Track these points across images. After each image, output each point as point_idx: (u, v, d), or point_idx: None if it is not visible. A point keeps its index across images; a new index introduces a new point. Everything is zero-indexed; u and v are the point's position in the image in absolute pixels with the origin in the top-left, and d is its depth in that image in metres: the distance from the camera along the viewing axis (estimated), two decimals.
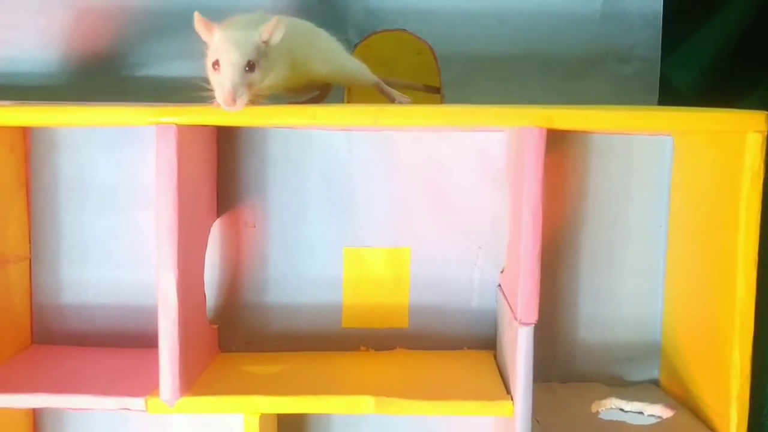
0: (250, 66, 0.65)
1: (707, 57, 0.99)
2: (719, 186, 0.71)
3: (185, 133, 0.68)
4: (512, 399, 0.70)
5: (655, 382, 0.84)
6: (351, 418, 0.84)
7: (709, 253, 0.73)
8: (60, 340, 0.83)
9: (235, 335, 0.83)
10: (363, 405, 0.70)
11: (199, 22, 0.65)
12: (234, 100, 0.64)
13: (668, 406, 0.76)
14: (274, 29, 0.65)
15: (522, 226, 0.67)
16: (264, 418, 0.73)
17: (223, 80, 0.64)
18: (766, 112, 0.67)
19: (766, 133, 0.67)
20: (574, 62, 0.85)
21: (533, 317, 0.68)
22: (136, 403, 0.70)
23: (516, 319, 0.69)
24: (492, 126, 0.69)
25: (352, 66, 0.78)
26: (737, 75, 0.99)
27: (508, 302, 0.75)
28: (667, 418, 0.75)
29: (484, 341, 0.83)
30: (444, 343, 0.83)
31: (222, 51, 0.65)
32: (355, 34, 0.86)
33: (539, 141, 0.67)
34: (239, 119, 0.68)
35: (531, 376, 0.69)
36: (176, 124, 0.67)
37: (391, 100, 0.78)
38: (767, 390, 0.76)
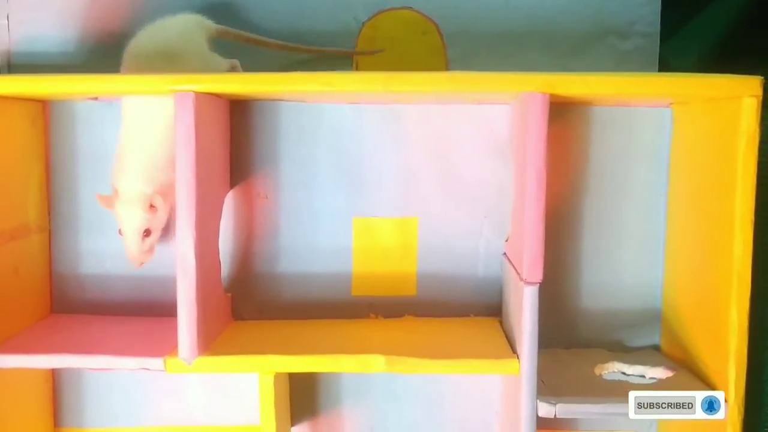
0: (147, 232, 0.78)
1: (707, 43, 1.01)
2: (716, 152, 0.74)
3: (202, 100, 0.71)
4: (518, 358, 0.73)
5: (656, 348, 0.86)
6: (361, 383, 0.86)
7: (707, 218, 0.75)
8: (78, 309, 0.85)
9: (248, 304, 0.86)
10: (374, 363, 0.72)
11: (100, 200, 0.79)
12: (141, 264, 0.79)
13: (669, 368, 0.78)
14: (156, 202, 0.78)
15: (526, 188, 0.70)
16: (277, 379, 0.76)
17: (128, 248, 0.78)
18: (761, 77, 0.69)
19: (761, 98, 0.69)
20: (576, 38, 0.87)
21: (538, 276, 0.71)
22: (155, 362, 0.72)
23: (521, 279, 0.72)
24: (496, 91, 0.71)
25: None
26: (737, 62, 1.01)
27: (513, 266, 0.78)
28: (667, 378, 0.77)
29: (490, 308, 0.86)
30: (451, 310, 0.86)
31: (121, 224, 0.78)
32: (362, 12, 0.88)
33: (542, 106, 0.69)
34: (254, 86, 0.71)
35: (536, 335, 0.72)
36: (194, 92, 0.69)
37: None
38: (764, 347, 0.78)
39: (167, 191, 0.77)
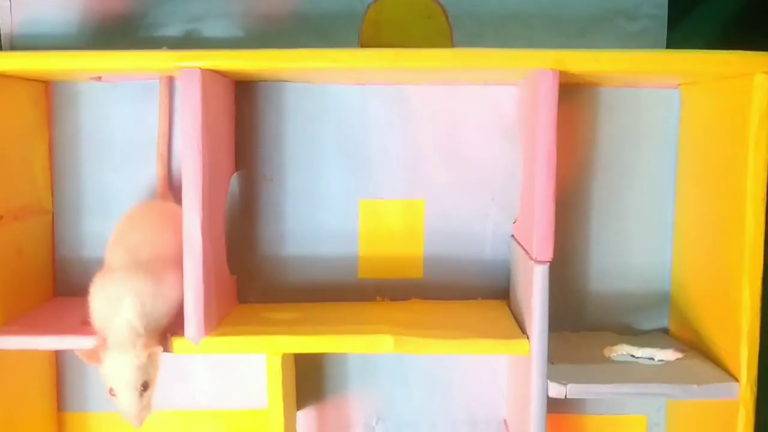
0: (144, 386, 0.68)
1: (716, 27, 1.00)
2: (727, 132, 0.73)
3: (208, 78, 0.70)
4: (528, 338, 0.72)
5: (664, 331, 0.86)
6: (367, 367, 0.86)
7: (718, 198, 0.75)
8: (82, 292, 0.83)
9: (253, 287, 0.85)
10: (382, 344, 0.72)
11: (83, 356, 0.68)
12: (141, 423, 0.68)
13: (678, 350, 0.78)
14: (154, 350, 0.68)
15: (536, 164, 0.69)
16: (284, 361, 0.75)
17: (123, 408, 0.68)
18: None
19: None
20: (583, 20, 0.86)
21: (548, 255, 0.70)
22: None
23: (532, 258, 0.71)
24: (506, 67, 0.70)
25: None
26: (747, 47, 1.00)
27: (522, 247, 0.77)
28: (677, 360, 0.77)
29: (498, 291, 0.85)
30: (458, 293, 0.85)
31: (113, 381, 0.68)
32: None
33: (552, 83, 0.69)
34: (260, 63, 0.70)
35: (546, 315, 0.71)
36: (200, 68, 0.68)
37: None
38: None
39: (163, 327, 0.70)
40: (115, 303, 0.68)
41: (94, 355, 0.68)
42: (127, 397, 0.67)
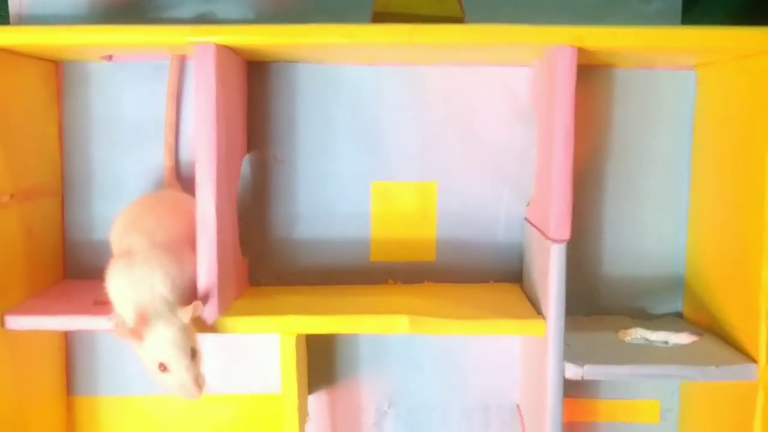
0: (193, 352, 0.66)
1: (731, 12, 0.99)
2: (745, 112, 0.72)
3: (222, 54, 0.69)
4: (544, 319, 0.71)
5: (678, 315, 0.85)
6: (379, 351, 0.85)
7: (735, 180, 0.74)
8: (92, 275, 0.83)
9: (264, 270, 0.84)
10: (398, 324, 0.71)
11: (126, 334, 0.65)
12: (201, 393, 0.66)
13: (693, 333, 0.77)
14: (195, 310, 0.66)
15: (554, 142, 0.69)
16: (297, 343, 0.74)
17: (179, 378, 0.66)
18: None
19: None
20: (598, 2, 0.86)
21: (566, 233, 0.69)
22: None
23: (548, 238, 0.70)
24: (525, 43, 0.69)
25: None
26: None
27: (537, 228, 0.76)
28: (692, 342, 0.76)
29: (510, 274, 0.84)
30: (471, 276, 0.84)
31: (163, 353, 0.65)
32: None
33: (571, 60, 0.68)
34: (274, 38, 0.69)
35: (563, 295, 0.70)
36: (215, 44, 0.68)
37: None
38: None
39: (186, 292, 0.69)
40: (144, 282, 0.66)
41: (136, 332, 0.65)
42: (181, 363, 0.65)
